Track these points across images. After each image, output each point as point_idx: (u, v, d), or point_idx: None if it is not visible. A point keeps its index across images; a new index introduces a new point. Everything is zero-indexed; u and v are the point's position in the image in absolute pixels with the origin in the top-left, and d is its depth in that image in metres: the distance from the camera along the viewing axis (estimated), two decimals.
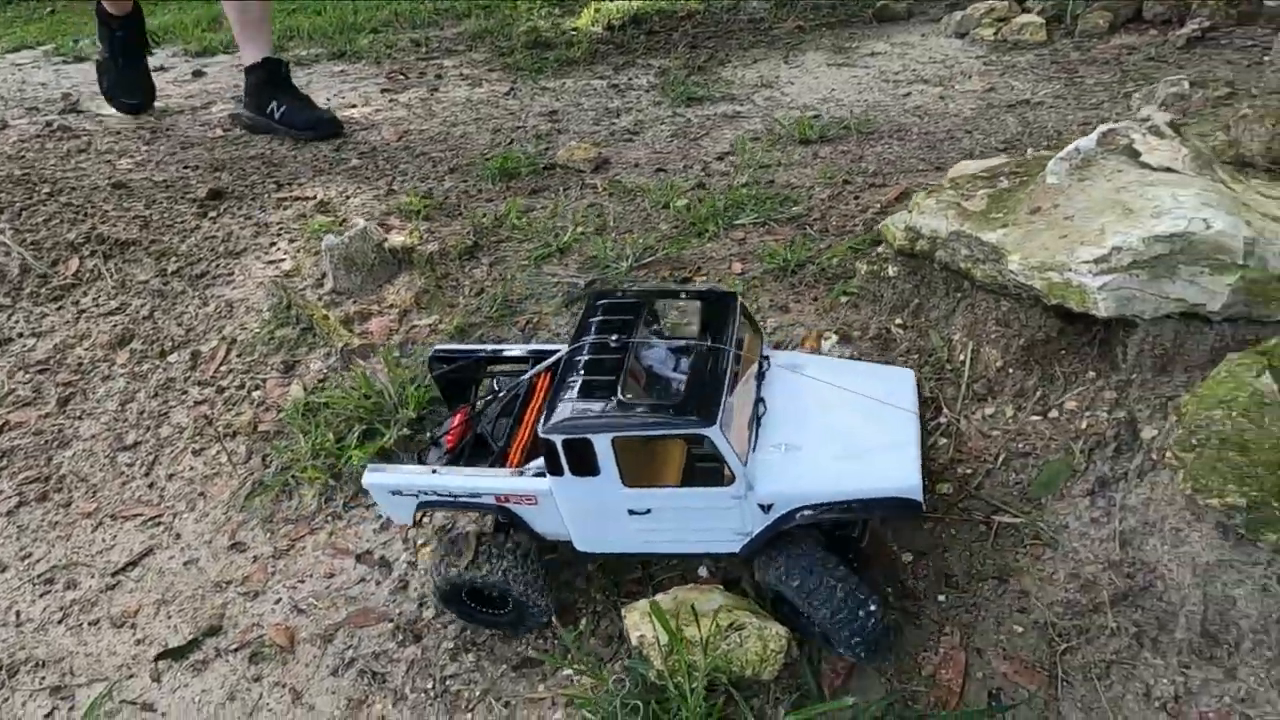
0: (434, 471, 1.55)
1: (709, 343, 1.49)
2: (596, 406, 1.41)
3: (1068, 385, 1.61)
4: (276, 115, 3.58)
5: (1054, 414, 1.61)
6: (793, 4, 5.53)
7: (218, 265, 2.52)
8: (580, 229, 2.56)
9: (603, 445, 1.39)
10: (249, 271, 2.48)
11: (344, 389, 2.00)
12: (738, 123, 3.59)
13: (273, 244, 2.61)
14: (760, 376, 1.58)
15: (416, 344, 2.18)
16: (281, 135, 3.60)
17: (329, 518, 1.81)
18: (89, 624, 1.65)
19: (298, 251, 2.56)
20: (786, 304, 2.05)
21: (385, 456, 1.85)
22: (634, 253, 2.37)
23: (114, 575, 1.74)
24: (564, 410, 1.41)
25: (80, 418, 2.11)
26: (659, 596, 1.50)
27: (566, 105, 4.04)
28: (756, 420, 1.51)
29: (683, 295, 1.72)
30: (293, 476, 1.87)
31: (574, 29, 5.62)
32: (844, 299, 2.01)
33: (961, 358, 1.71)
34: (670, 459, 1.54)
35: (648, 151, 3.31)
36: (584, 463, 1.42)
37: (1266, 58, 3.31)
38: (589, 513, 1.51)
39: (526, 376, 1.68)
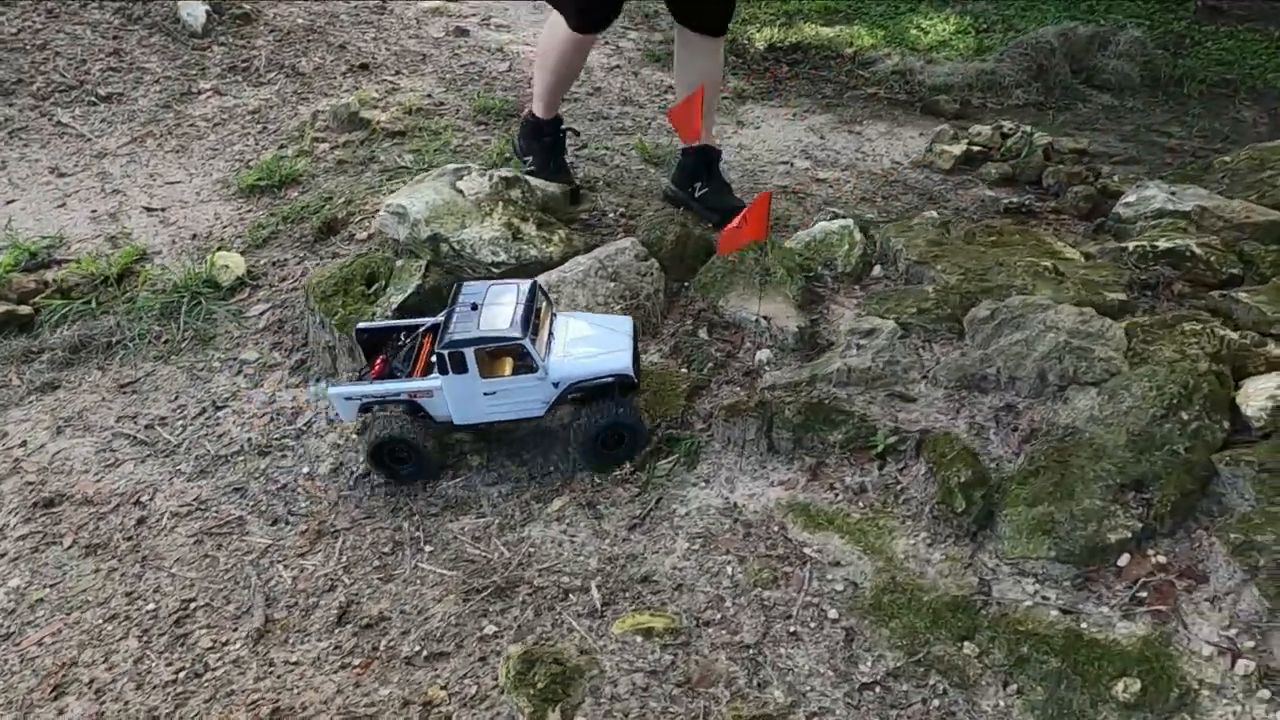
0: (370, 383, 2.52)
1: (524, 305, 2.42)
2: (466, 335, 2.31)
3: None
4: (696, 195, 3.89)
5: None
6: (904, 78, 6.48)
7: (313, 99, 5.31)
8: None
9: (470, 354, 2.31)
10: (317, 105, 5.23)
11: (289, 159, 4.68)
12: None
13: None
14: (552, 319, 2.56)
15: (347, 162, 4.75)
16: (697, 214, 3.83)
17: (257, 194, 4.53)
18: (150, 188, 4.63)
19: None
20: None
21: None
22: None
23: (161, 185, 4.69)
24: (449, 336, 2.31)
25: (216, 125, 5.05)
26: None
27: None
28: (549, 342, 2.48)
29: (507, 281, 2.59)
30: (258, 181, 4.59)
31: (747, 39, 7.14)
32: None
33: None
34: (505, 363, 2.44)
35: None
36: (459, 365, 2.31)
37: None
38: (462, 397, 2.40)
39: (419, 332, 2.65)
